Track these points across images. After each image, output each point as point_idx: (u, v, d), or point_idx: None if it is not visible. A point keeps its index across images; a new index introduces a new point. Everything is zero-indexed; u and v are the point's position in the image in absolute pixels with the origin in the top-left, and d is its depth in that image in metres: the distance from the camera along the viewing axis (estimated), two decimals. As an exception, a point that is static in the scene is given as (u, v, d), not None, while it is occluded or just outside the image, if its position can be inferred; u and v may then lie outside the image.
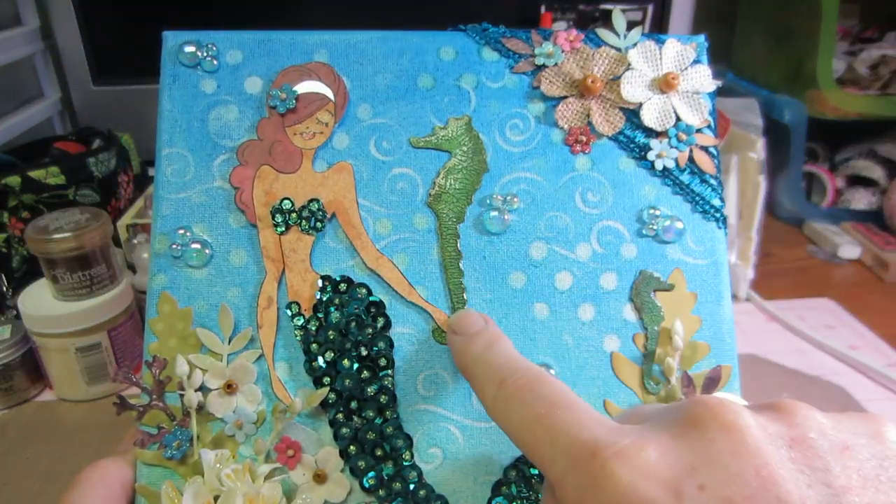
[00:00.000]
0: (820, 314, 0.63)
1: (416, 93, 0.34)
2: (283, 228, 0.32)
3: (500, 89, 0.34)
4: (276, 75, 0.33)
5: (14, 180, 0.57)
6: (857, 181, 0.83)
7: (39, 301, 0.50)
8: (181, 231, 0.32)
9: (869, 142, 0.84)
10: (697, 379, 0.32)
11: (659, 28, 0.95)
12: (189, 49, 0.33)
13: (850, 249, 0.73)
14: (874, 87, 0.80)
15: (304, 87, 0.33)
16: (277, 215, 0.32)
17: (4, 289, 0.58)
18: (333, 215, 0.33)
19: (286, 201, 0.32)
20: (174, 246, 0.32)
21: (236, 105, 0.33)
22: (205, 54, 0.33)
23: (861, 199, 0.81)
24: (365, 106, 0.34)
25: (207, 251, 0.32)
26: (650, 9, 0.94)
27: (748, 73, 0.95)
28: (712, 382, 0.32)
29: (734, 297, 0.68)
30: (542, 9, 0.88)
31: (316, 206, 0.32)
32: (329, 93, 0.33)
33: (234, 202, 0.33)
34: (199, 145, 0.33)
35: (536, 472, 0.31)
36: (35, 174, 0.59)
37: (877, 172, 0.81)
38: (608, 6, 0.93)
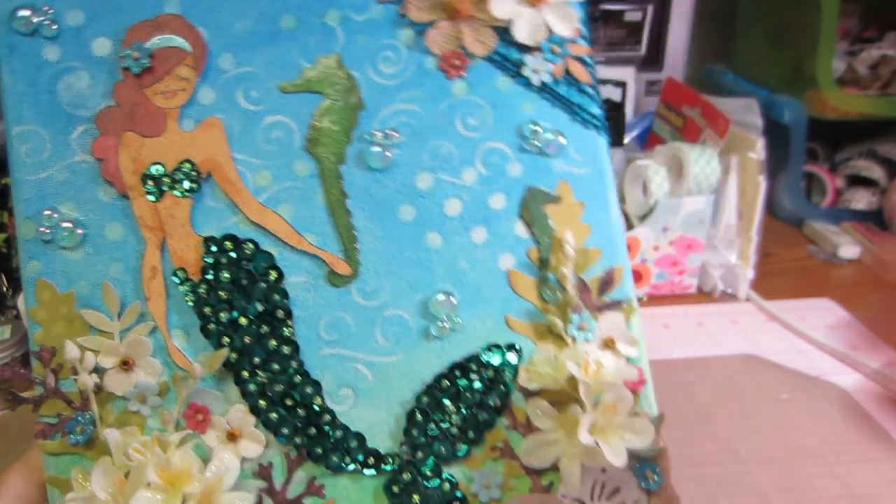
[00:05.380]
0: (820, 314, 0.62)
1: (280, 35, 0.32)
2: (157, 196, 0.31)
3: (368, 21, 0.33)
4: (125, 33, 0.31)
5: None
6: (857, 181, 0.83)
7: (39, 302, 0.49)
8: (47, 212, 0.30)
9: (869, 142, 0.83)
10: (592, 283, 0.33)
11: (659, 28, 0.94)
12: (23, 13, 0.30)
13: (850, 249, 0.73)
14: (874, 87, 0.80)
15: (157, 43, 0.31)
16: (149, 182, 0.31)
17: (4, 289, 0.58)
18: (209, 174, 0.32)
19: (156, 166, 0.31)
20: (42, 229, 0.30)
21: (86, 71, 0.31)
22: (42, 18, 0.31)
23: (861, 199, 0.81)
24: (227, 56, 0.32)
25: (80, 231, 0.30)
26: (650, 9, 0.92)
27: (748, 73, 0.93)
28: (606, 284, 0.33)
29: (734, 296, 0.67)
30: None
31: (188, 167, 0.31)
32: (185, 45, 0.32)
33: (101, 174, 0.31)
34: (51, 119, 0.31)
35: (447, 397, 0.31)
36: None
37: (877, 172, 0.81)
38: (609, 7, 0.91)
